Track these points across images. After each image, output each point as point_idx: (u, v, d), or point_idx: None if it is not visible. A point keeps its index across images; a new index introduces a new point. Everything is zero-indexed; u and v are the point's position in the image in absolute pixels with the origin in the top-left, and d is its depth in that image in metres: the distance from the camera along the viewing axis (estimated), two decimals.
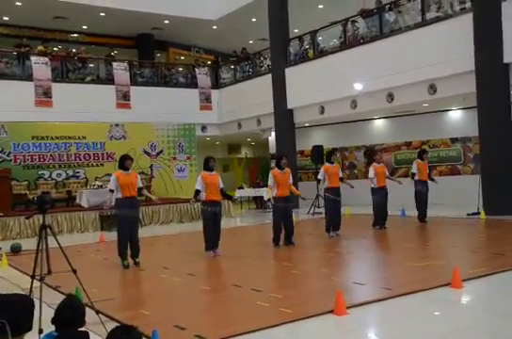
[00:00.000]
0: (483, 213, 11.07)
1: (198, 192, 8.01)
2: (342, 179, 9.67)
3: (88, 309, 4.57)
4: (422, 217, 10.83)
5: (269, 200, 11.01)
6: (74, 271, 4.58)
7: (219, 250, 8.14)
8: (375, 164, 10.35)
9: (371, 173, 10.20)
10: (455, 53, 11.76)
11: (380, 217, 10.21)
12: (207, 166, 8.08)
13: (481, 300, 5.13)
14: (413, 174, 10.87)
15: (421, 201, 10.82)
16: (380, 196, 10.18)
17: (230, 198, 8.86)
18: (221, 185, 8.11)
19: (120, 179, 7.35)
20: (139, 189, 7.53)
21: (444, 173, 15.04)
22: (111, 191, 7.43)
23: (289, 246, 8.65)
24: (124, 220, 7.41)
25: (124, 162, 7.47)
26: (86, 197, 13.36)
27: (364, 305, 4.74)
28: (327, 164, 9.59)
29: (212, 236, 8.09)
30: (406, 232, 10.14)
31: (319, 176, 9.60)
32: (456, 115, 15.18)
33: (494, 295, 5.29)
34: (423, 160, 10.94)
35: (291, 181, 8.77)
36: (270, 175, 8.65)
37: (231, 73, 19.75)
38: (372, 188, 10.27)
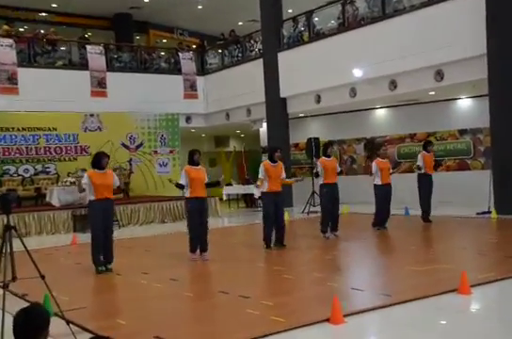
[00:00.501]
0: (494, 212, 11.13)
1: (182, 187, 8.10)
2: (341, 172, 9.80)
3: (57, 319, 4.59)
4: (425, 215, 10.88)
5: (259, 198, 10.98)
6: (43, 277, 4.55)
7: (207, 255, 8.11)
8: (378, 159, 10.37)
9: (373, 169, 10.24)
10: (464, 35, 11.78)
11: (381, 216, 10.25)
12: (192, 159, 8.14)
13: (491, 308, 5.16)
14: (419, 167, 10.89)
15: (424, 196, 10.84)
16: (383, 193, 10.18)
17: (217, 183, 8.78)
18: (206, 181, 8.20)
19: (94, 179, 7.27)
20: (118, 188, 7.60)
21: (452, 168, 15.10)
22: (83, 190, 7.44)
23: (280, 248, 8.65)
24: (97, 225, 7.39)
25: (100, 160, 7.36)
26: (57, 195, 13.28)
27: (363, 313, 4.75)
28: (323, 157, 9.64)
29: (198, 237, 8.09)
30: (409, 232, 10.19)
31: (317, 169, 9.63)
32: (465, 104, 15.24)
33: (505, 302, 5.32)
34: (428, 152, 10.99)
35: (284, 175, 8.86)
36: (261, 167, 8.71)
37: (218, 58, 19.68)
38: (375, 185, 10.31)
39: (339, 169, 9.71)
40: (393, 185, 10.52)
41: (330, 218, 9.55)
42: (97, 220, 7.34)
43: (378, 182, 10.23)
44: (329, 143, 10.22)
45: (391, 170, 10.50)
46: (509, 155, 11.22)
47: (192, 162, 8.13)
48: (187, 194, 8.07)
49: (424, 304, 4.98)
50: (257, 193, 16.06)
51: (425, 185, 10.88)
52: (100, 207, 7.29)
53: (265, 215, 8.72)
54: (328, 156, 9.62)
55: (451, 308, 4.92)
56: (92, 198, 7.31)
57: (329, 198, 9.46)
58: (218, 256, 8.45)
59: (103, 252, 7.42)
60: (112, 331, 4.16)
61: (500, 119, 11.40)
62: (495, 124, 11.56)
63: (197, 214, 8.05)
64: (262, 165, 8.79)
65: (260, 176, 8.72)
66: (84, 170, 14.92)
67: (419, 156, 11.03)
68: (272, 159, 8.72)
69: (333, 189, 9.48)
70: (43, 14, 20.97)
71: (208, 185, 8.31)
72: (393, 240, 9.37)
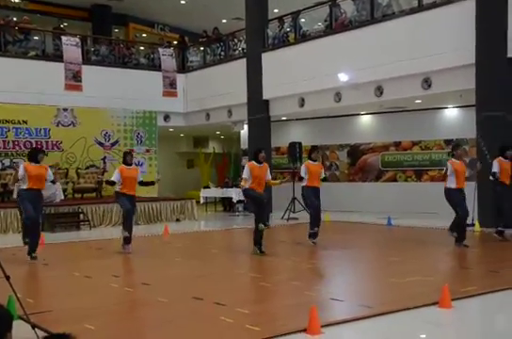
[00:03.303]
0: (477, 225, 11.28)
1: (113, 184, 9.33)
2: (325, 179, 9.86)
3: (22, 322, 4.53)
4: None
5: (239, 201, 11.10)
6: (8, 278, 4.49)
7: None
8: (453, 160, 9.36)
9: (449, 171, 9.22)
10: (454, 43, 11.94)
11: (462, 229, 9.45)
12: (125, 160, 9.52)
13: (472, 322, 5.22)
14: (494, 174, 10.08)
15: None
16: (460, 197, 9.36)
17: (150, 183, 9.89)
18: (139, 179, 9.48)
19: (29, 170, 8.27)
20: (52, 182, 8.81)
21: (437, 179, 15.24)
22: (18, 181, 8.38)
23: (259, 254, 8.66)
24: (29, 211, 8.27)
25: (37, 155, 8.47)
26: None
27: (341, 324, 4.77)
28: (309, 161, 9.72)
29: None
30: (391, 243, 10.27)
31: (301, 174, 9.66)
32: (451, 114, 15.46)
33: (486, 316, 5.40)
34: (506, 158, 10.15)
35: (269, 177, 9.01)
36: (246, 168, 8.86)
37: (199, 56, 19.65)
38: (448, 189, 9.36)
39: (323, 176, 9.78)
40: (378, 194, 10.56)
41: (316, 215, 9.60)
42: (29, 207, 8.24)
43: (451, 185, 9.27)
44: (315, 147, 10.26)
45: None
46: None
47: (126, 162, 9.47)
48: (118, 189, 9.30)
49: (404, 317, 5.02)
50: (235, 197, 16.11)
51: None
52: (31, 195, 8.28)
53: (253, 206, 9.14)
54: (314, 160, 9.73)
55: (431, 321, 4.97)
56: (24, 187, 8.27)
57: (314, 198, 9.55)
58: (193, 261, 8.45)
59: (30, 235, 8.47)
60: (80, 337, 4.10)
61: (486, 130, 11.56)
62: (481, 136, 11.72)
63: (129, 206, 9.26)
64: (247, 165, 8.95)
65: (244, 176, 8.86)
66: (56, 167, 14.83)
67: (494, 163, 10.14)
68: (257, 160, 8.86)
69: (316, 192, 9.56)
70: (16, 1, 20.67)
71: (142, 183, 9.60)
72: (375, 250, 9.43)
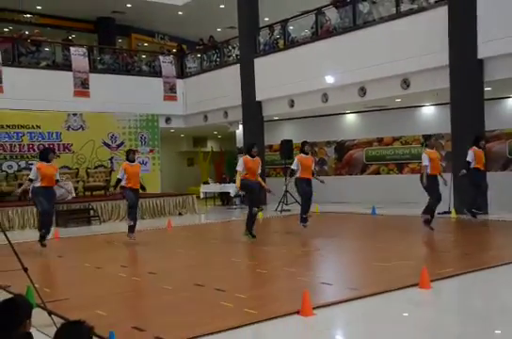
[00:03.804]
0: (454, 212, 11.34)
1: (119, 181, 9.40)
2: (313, 173, 9.77)
3: (40, 310, 4.55)
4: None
5: (236, 196, 11.10)
6: (26, 269, 4.49)
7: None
8: (427, 149, 9.43)
9: (427, 160, 9.13)
10: (429, 47, 11.97)
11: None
12: (128, 157, 9.62)
13: (449, 301, 5.27)
14: (469, 163, 10.21)
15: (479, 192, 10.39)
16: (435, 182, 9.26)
17: (143, 187, 9.81)
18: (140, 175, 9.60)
19: (42, 170, 8.57)
20: (56, 181, 8.85)
21: (416, 171, 15.27)
22: (30, 180, 8.68)
23: (255, 243, 8.70)
24: (44, 206, 8.62)
25: (47, 155, 8.77)
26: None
27: (331, 306, 4.80)
28: (301, 154, 9.73)
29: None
30: (376, 231, 10.31)
31: (293, 166, 9.66)
32: (429, 111, 15.49)
33: (462, 295, 5.45)
34: (479, 148, 10.37)
35: (259, 171, 9.09)
36: (241, 161, 8.96)
37: (197, 63, 19.61)
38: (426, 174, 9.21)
39: (313, 168, 9.75)
40: (363, 186, 10.60)
41: (308, 202, 9.62)
42: (43, 202, 8.58)
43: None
44: (305, 141, 10.11)
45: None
46: None
47: (129, 159, 9.56)
48: (124, 184, 9.37)
49: (388, 298, 5.06)
50: (232, 192, 16.12)
51: (480, 182, 10.38)
52: (44, 192, 8.58)
53: (247, 195, 9.31)
54: (306, 153, 9.72)
55: (413, 301, 5.01)
56: (38, 184, 8.56)
57: (307, 189, 9.56)
58: (195, 251, 8.47)
59: (44, 224, 8.78)
60: (93, 322, 4.12)
61: (460, 125, 11.62)
62: (455, 130, 11.79)
63: (134, 200, 9.52)
64: (241, 159, 9.03)
65: (238, 168, 8.94)
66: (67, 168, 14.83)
67: (470, 152, 10.29)
68: (250, 154, 8.97)
69: (307, 183, 9.57)
70: (28, 16, 20.61)
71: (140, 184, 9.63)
72: (361, 238, 9.46)
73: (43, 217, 8.82)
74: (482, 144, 10.46)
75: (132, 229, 9.44)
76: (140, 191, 9.72)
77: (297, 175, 9.58)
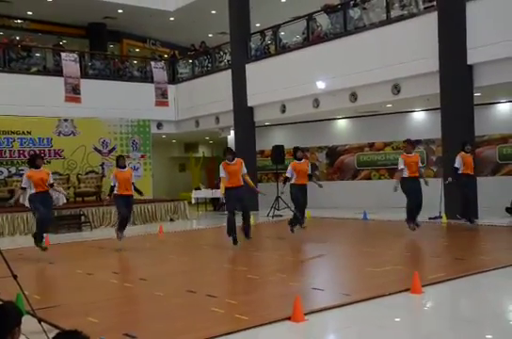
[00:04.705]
0: (444, 217, 11.39)
1: (113, 188, 9.38)
2: (310, 176, 9.75)
3: (30, 317, 4.51)
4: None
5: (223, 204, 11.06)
6: (15, 276, 4.46)
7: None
8: (404, 153, 9.83)
9: (402, 164, 9.58)
10: (419, 52, 12.05)
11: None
12: (118, 163, 9.61)
13: (441, 306, 5.28)
14: (456, 169, 10.34)
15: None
16: (413, 186, 9.56)
17: (140, 192, 9.77)
18: (132, 180, 9.53)
19: (33, 177, 8.57)
20: (50, 185, 8.79)
21: None
22: (22, 189, 8.71)
23: (246, 249, 8.68)
24: (40, 210, 8.60)
25: (35, 160, 8.77)
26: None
27: (323, 311, 4.80)
28: (295, 161, 9.69)
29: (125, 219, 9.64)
30: (367, 236, 10.33)
31: (287, 174, 9.64)
32: (419, 116, 15.57)
33: (454, 300, 5.46)
34: (467, 153, 10.42)
35: (245, 171, 9.01)
36: (220, 167, 8.96)
37: (188, 68, 19.64)
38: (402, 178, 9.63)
39: (309, 172, 9.71)
40: (355, 191, 10.62)
41: (302, 209, 9.61)
42: (40, 208, 8.59)
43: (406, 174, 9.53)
44: (297, 147, 10.13)
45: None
46: None
47: (119, 165, 9.55)
48: (116, 191, 9.38)
49: (379, 303, 5.06)
50: (222, 198, 16.06)
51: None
52: (39, 197, 8.58)
53: (228, 205, 9.13)
54: (299, 159, 9.69)
55: (404, 306, 5.03)
56: (32, 191, 8.58)
57: (300, 195, 9.52)
58: (187, 257, 8.45)
59: (42, 230, 8.78)
60: (84, 329, 4.10)
61: (450, 130, 11.69)
62: (446, 136, 11.85)
63: (123, 205, 9.48)
64: (220, 165, 8.98)
65: (221, 175, 8.92)
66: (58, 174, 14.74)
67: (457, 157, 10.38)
68: (228, 159, 8.94)
69: (302, 189, 9.55)
70: (19, 21, 20.56)
71: (135, 188, 9.59)
72: (353, 243, 9.48)
73: (42, 224, 8.77)
74: (468, 148, 10.45)
75: (120, 233, 9.58)
76: (138, 196, 9.70)
77: (293, 181, 9.56)
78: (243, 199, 8.98)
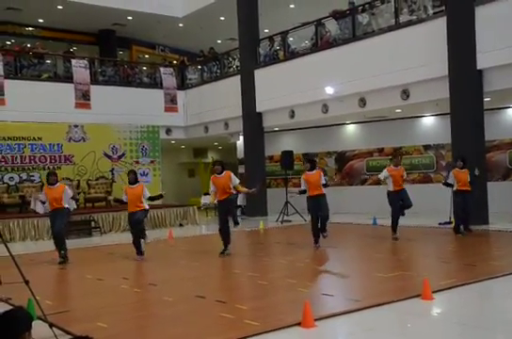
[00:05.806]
0: (454, 222, 11.29)
1: (122, 202, 9.16)
2: (326, 185, 9.43)
3: (41, 322, 4.54)
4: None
5: (237, 206, 11.05)
6: (27, 282, 4.49)
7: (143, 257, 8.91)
8: (392, 166, 10.21)
9: (383, 175, 10.16)
10: (428, 57, 12.03)
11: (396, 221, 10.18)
12: (128, 179, 9.21)
13: (452, 312, 5.25)
14: (452, 185, 10.48)
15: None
16: (396, 198, 10.05)
17: (159, 196, 9.60)
18: (147, 195, 9.03)
19: (47, 195, 8.79)
20: (73, 198, 9.14)
21: (417, 181, 15.34)
22: (42, 203, 8.87)
23: (256, 254, 8.68)
24: (52, 226, 8.95)
25: (48, 179, 8.91)
26: (41, 202, 13.06)
27: (333, 317, 4.79)
28: (306, 172, 9.43)
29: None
30: (376, 241, 10.29)
31: (302, 186, 9.38)
32: (429, 121, 15.53)
33: (465, 306, 5.42)
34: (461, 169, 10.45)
35: (235, 182, 8.88)
36: (210, 182, 8.96)
37: (197, 74, 19.72)
38: (388, 191, 10.16)
39: (324, 181, 9.37)
40: (364, 196, 10.60)
41: (319, 222, 9.42)
42: (52, 225, 8.95)
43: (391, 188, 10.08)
44: (310, 160, 9.95)
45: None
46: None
47: (130, 182, 9.10)
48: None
49: (390, 309, 5.05)
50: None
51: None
52: (51, 216, 8.87)
53: (220, 217, 9.08)
54: (310, 170, 9.43)
55: (415, 312, 5.00)
56: (49, 209, 8.86)
57: (313, 207, 9.35)
58: (196, 262, 8.45)
59: (57, 245, 8.81)
60: (94, 334, 4.12)
61: (460, 135, 11.63)
62: (455, 141, 11.80)
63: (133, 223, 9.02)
64: (210, 180, 8.97)
65: (211, 190, 8.96)
66: (68, 180, 14.84)
67: (450, 174, 10.52)
68: (215, 172, 8.94)
69: (315, 201, 9.23)
70: (30, 29, 20.80)
71: (151, 198, 9.18)
72: (362, 248, 9.45)
73: (54, 240, 8.92)
74: (459, 164, 10.35)
75: (140, 251, 9.01)
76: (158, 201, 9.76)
77: (307, 194, 9.39)
78: (230, 210, 9.02)
